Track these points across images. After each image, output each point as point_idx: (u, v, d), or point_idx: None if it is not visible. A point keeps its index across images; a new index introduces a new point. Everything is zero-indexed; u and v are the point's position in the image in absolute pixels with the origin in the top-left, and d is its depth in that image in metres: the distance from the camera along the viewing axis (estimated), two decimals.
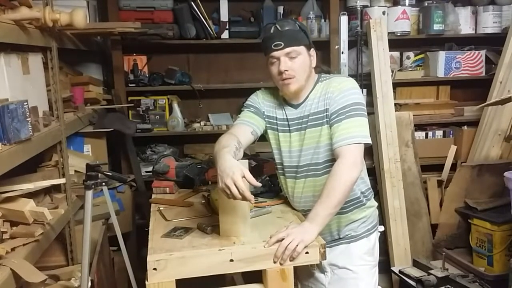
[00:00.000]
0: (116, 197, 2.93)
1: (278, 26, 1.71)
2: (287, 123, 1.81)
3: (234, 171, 1.43)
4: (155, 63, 3.44)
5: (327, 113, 1.72)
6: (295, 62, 1.70)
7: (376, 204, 1.92)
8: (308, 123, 1.76)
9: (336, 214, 1.68)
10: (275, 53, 1.70)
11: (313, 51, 1.78)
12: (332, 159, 1.69)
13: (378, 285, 1.93)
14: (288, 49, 1.69)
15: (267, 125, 1.86)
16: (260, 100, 1.88)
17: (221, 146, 1.61)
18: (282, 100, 1.84)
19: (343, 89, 1.71)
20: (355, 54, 3.49)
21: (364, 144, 1.67)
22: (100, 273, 2.29)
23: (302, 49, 1.72)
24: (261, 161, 2.21)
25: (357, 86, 1.75)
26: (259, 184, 1.58)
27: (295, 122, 1.79)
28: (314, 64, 1.78)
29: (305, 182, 1.80)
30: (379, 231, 1.94)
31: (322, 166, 1.75)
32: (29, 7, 1.80)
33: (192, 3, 3.25)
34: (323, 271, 1.87)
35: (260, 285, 1.55)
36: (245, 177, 1.44)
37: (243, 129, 1.80)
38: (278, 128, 1.84)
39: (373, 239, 1.87)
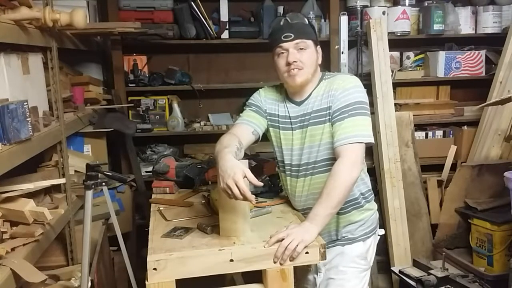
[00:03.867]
0: (116, 197, 2.93)
1: (288, 19, 1.72)
2: (289, 120, 1.81)
3: (235, 171, 1.43)
4: (155, 63, 3.44)
5: (330, 111, 1.71)
6: (303, 54, 1.70)
7: (375, 207, 1.90)
8: (310, 121, 1.75)
9: (335, 215, 1.68)
10: (284, 44, 1.69)
11: (319, 48, 1.78)
12: (334, 158, 1.68)
13: (377, 286, 1.92)
14: (297, 40, 1.69)
15: (269, 122, 1.86)
16: (262, 98, 1.87)
17: (222, 146, 1.60)
18: (285, 97, 1.84)
19: (346, 87, 1.70)
20: (355, 54, 3.49)
21: (366, 143, 1.66)
22: (100, 273, 2.29)
23: (310, 43, 1.72)
24: (261, 161, 2.21)
25: (361, 84, 1.74)
26: (261, 184, 1.58)
27: (297, 120, 1.79)
28: (320, 61, 1.78)
29: (305, 181, 1.79)
30: (378, 235, 1.92)
31: (323, 164, 1.75)
32: (29, 7, 1.80)
33: (192, 3, 3.25)
34: (317, 271, 1.86)
35: (260, 285, 1.55)
36: (246, 177, 1.44)
37: (244, 129, 1.79)
38: (280, 125, 1.83)
39: (369, 243, 1.86)
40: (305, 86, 1.76)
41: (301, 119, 1.78)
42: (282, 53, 1.71)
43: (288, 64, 1.70)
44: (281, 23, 1.73)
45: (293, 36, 1.68)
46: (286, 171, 1.85)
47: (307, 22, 1.75)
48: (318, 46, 1.78)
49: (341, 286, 1.81)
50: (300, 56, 1.70)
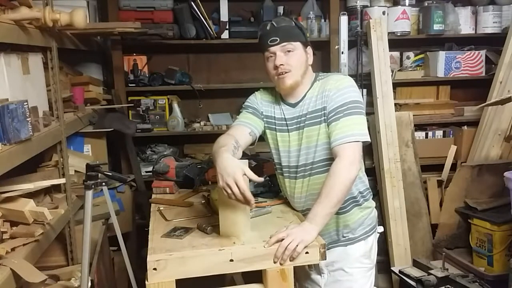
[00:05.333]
0: (116, 197, 2.93)
1: (274, 23, 1.73)
2: (285, 122, 1.81)
3: (235, 170, 1.44)
4: (155, 63, 3.44)
5: (325, 111, 1.71)
6: (291, 57, 1.71)
7: (374, 204, 1.91)
8: (306, 122, 1.75)
9: (334, 215, 1.68)
10: (271, 48, 1.72)
11: (309, 49, 1.79)
12: (331, 158, 1.68)
13: (377, 286, 1.93)
14: (283, 44, 1.70)
15: (266, 125, 1.87)
16: (258, 100, 1.88)
17: (219, 145, 1.61)
18: (280, 99, 1.84)
19: (340, 87, 1.71)
20: (355, 54, 3.49)
21: (363, 142, 1.66)
22: (100, 273, 2.29)
23: (298, 44, 1.73)
24: (261, 161, 2.21)
25: (354, 84, 1.74)
26: (261, 179, 1.57)
27: (293, 122, 1.79)
28: (311, 62, 1.79)
29: (303, 182, 1.79)
30: (378, 232, 1.93)
31: (321, 164, 1.75)
32: (29, 7, 1.80)
33: (192, 3, 3.25)
34: (320, 272, 1.87)
35: (260, 285, 1.55)
36: (246, 175, 1.44)
37: (241, 130, 1.80)
38: (276, 127, 1.84)
39: (371, 242, 1.86)
40: (296, 88, 1.77)
41: (297, 120, 1.78)
42: (271, 56, 1.73)
43: (276, 67, 1.71)
44: (268, 27, 1.74)
45: (279, 40, 1.70)
46: (284, 173, 1.85)
47: (293, 24, 1.75)
48: (309, 47, 1.78)
49: (350, 287, 1.82)
50: (287, 58, 1.71)
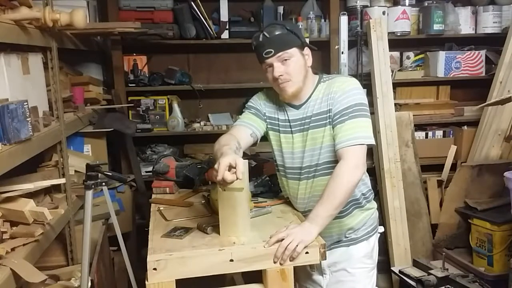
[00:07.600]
0: (116, 197, 2.93)
1: (266, 33, 1.69)
2: (288, 124, 1.81)
3: (226, 157, 1.43)
4: (155, 63, 3.44)
5: (330, 114, 1.70)
6: (288, 65, 1.69)
7: (375, 205, 1.91)
8: (311, 124, 1.75)
9: (336, 217, 1.68)
10: (267, 61, 1.69)
11: (306, 50, 1.76)
12: (336, 160, 1.67)
13: (377, 286, 1.93)
14: (279, 54, 1.68)
15: (269, 126, 1.86)
16: (262, 101, 1.87)
17: (221, 144, 1.60)
18: (284, 101, 1.84)
19: (346, 89, 1.70)
20: (355, 54, 3.49)
21: (368, 145, 1.66)
22: (100, 273, 2.29)
23: (294, 51, 1.70)
24: (261, 161, 2.22)
25: (360, 86, 1.73)
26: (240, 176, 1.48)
27: (297, 123, 1.78)
28: (310, 63, 1.77)
29: (307, 184, 1.79)
30: (379, 232, 1.93)
31: (325, 167, 1.74)
32: (29, 7, 1.80)
33: (192, 3, 3.25)
34: (321, 273, 1.87)
35: (260, 285, 1.55)
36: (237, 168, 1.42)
37: (242, 131, 1.80)
38: (280, 129, 1.83)
39: (373, 242, 1.87)
40: (299, 93, 1.75)
41: (301, 122, 1.77)
42: (269, 67, 1.71)
43: (275, 79, 1.70)
44: (260, 39, 1.70)
45: (273, 51, 1.67)
46: (288, 174, 1.84)
47: (286, 30, 1.70)
48: (306, 48, 1.75)
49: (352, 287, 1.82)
50: (285, 68, 1.69)
